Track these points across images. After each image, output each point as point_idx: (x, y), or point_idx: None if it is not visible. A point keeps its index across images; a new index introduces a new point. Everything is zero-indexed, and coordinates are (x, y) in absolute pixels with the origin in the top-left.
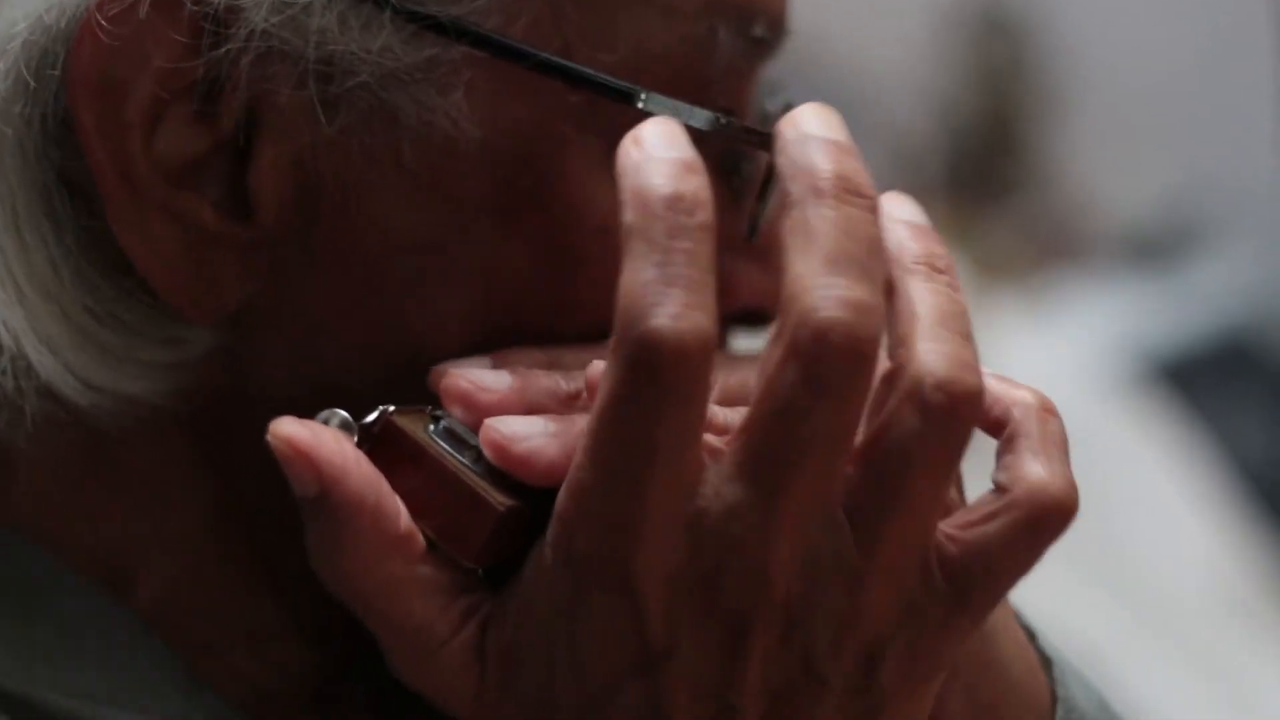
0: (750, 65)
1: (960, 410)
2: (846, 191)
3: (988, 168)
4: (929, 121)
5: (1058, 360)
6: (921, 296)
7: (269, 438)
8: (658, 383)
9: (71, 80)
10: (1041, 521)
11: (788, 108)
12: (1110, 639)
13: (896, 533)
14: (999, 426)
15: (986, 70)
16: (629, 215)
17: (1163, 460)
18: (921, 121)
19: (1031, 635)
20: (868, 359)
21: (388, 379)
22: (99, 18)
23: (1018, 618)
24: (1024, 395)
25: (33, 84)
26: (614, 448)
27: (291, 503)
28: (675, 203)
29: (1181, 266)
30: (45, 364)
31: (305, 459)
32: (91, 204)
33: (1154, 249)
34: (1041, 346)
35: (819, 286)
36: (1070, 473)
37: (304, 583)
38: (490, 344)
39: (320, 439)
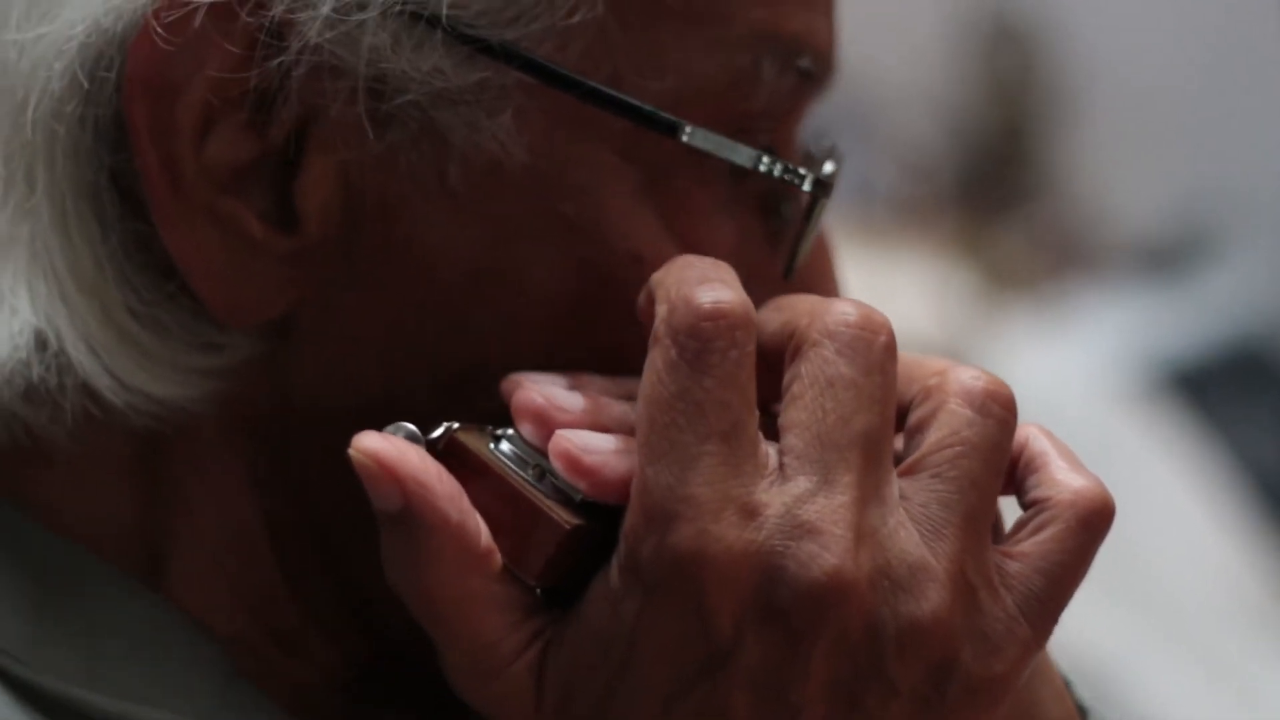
0: (796, 102)
1: (1003, 397)
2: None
3: (999, 177)
4: (940, 131)
5: (1070, 370)
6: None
7: (350, 451)
8: (699, 337)
9: (126, 82)
10: (1090, 522)
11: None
12: (1124, 646)
13: (959, 529)
14: (1012, 466)
15: (997, 80)
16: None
17: (1176, 468)
18: (932, 131)
19: (1067, 684)
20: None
21: (428, 395)
22: (156, 24)
23: (1055, 667)
24: (1024, 428)
25: (87, 85)
26: (666, 425)
27: (325, 509)
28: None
29: (1194, 275)
30: (85, 362)
31: (389, 474)
32: (139, 207)
33: (1166, 258)
34: (1054, 356)
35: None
36: (1097, 478)
37: (330, 582)
38: (527, 364)
39: (404, 454)
